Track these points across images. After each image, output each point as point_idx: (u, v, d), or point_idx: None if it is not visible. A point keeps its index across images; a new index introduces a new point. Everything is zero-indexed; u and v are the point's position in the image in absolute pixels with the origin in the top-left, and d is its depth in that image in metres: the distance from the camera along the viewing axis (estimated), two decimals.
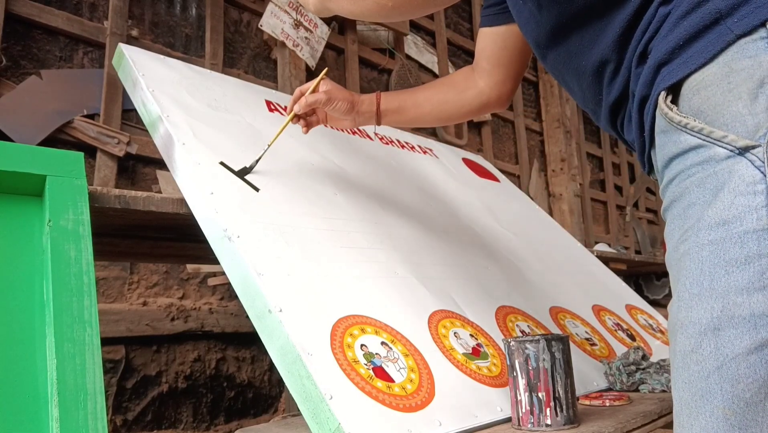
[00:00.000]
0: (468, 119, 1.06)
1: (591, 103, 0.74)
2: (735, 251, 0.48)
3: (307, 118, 0.99)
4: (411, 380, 0.73)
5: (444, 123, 1.08)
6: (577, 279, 1.40)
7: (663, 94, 0.57)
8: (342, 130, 1.36)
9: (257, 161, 0.94)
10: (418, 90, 1.04)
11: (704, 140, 0.52)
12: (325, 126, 1.04)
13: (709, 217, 0.51)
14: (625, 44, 0.63)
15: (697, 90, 0.54)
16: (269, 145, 0.95)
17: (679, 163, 0.55)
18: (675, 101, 0.56)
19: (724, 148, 0.51)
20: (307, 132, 1.00)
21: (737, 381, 0.47)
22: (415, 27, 2.96)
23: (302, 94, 0.96)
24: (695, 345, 0.50)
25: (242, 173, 0.92)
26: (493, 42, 0.97)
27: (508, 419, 0.78)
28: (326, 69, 0.99)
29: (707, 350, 0.49)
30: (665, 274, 3.32)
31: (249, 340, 2.02)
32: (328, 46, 2.45)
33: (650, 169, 0.67)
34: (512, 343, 0.77)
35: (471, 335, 0.90)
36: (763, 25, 0.51)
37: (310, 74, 2.36)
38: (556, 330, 1.08)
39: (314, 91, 0.95)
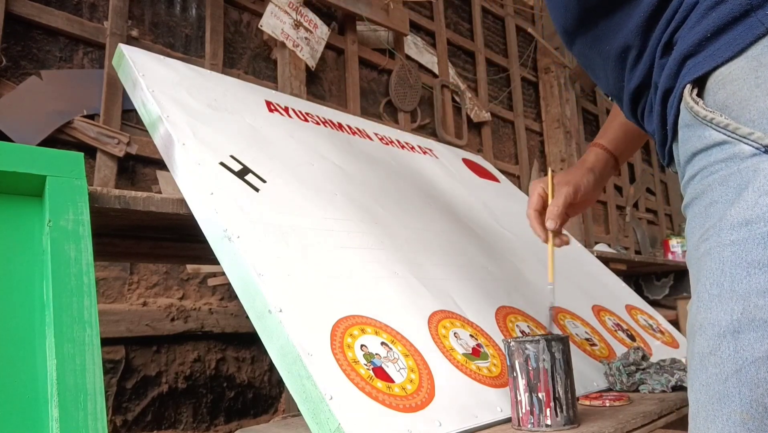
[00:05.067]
0: None
1: (614, 90, 0.72)
2: (757, 252, 0.47)
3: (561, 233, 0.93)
4: (411, 381, 0.73)
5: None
6: (577, 279, 1.40)
7: (689, 87, 0.55)
8: (343, 130, 1.36)
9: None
10: (615, 116, 0.98)
11: (729, 136, 0.50)
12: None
13: (731, 216, 0.49)
14: (648, 31, 0.61)
15: (723, 84, 0.52)
16: (552, 284, 0.90)
17: (702, 159, 0.53)
18: (700, 95, 0.54)
19: (750, 145, 0.49)
20: (566, 243, 0.93)
21: (756, 385, 0.46)
22: (415, 27, 2.96)
23: (538, 209, 0.89)
24: (714, 347, 0.49)
25: (242, 173, 0.92)
26: None
27: (508, 420, 0.78)
28: (551, 171, 0.92)
29: (726, 352, 0.48)
30: (665, 274, 3.32)
31: (249, 340, 2.02)
32: (328, 46, 2.45)
33: (670, 161, 0.65)
34: (512, 343, 0.77)
35: (471, 336, 0.90)
36: None
37: (310, 74, 2.36)
38: (556, 330, 1.08)
39: (553, 194, 0.88)
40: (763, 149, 0.48)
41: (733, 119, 0.50)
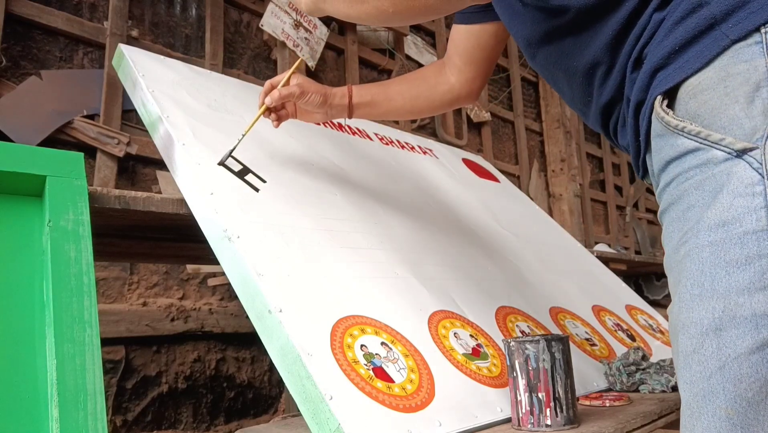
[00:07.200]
0: (438, 113, 1.10)
1: (580, 104, 0.75)
2: (735, 251, 0.49)
3: (278, 112, 0.98)
4: (411, 381, 0.73)
5: (415, 116, 1.10)
6: (577, 279, 1.40)
7: (659, 98, 0.57)
8: (343, 130, 1.36)
9: (231, 152, 0.91)
10: (390, 84, 1.05)
11: (702, 143, 0.53)
12: (295, 119, 1.03)
13: (708, 218, 0.51)
14: (617, 47, 0.64)
15: (693, 94, 0.55)
16: (243, 135, 0.92)
17: (676, 166, 0.56)
18: (671, 105, 0.57)
19: (722, 150, 0.51)
20: (278, 126, 0.98)
21: (739, 381, 0.48)
22: (415, 27, 2.97)
23: (273, 87, 0.95)
24: (697, 345, 0.51)
25: (242, 173, 0.92)
26: (467, 39, 0.99)
27: (508, 420, 0.78)
28: (299, 60, 1.00)
29: (709, 350, 0.50)
30: (665, 274, 3.32)
31: (249, 340, 2.02)
32: (328, 46, 2.45)
33: (644, 173, 0.68)
34: (512, 343, 0.77)
35: (471, 336, 0.90)
36: (757, 29, 0.52)
37: (310, 74, 2.36)
38: (556, 330, 1.08)
39: (286, 83, 0.94)
40: (735, 154, 0.50)
41: (704, 127, 0.53)
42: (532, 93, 3.75)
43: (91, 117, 1.74)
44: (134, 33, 1.88)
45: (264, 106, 0.94)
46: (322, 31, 2.35)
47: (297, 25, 2.25)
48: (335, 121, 1.39)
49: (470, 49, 0.99)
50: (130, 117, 1.82)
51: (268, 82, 0.96)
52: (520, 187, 3.28)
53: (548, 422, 0.73)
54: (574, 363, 0.79)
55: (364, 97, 1.01)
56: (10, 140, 1.54)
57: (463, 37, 0.99)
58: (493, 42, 0.98)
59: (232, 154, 0.92)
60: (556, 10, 0.67)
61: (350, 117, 1.02)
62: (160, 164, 1.83)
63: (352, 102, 1.00)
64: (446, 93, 1.03)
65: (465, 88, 1.03)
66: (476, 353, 0.87)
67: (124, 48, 1.06)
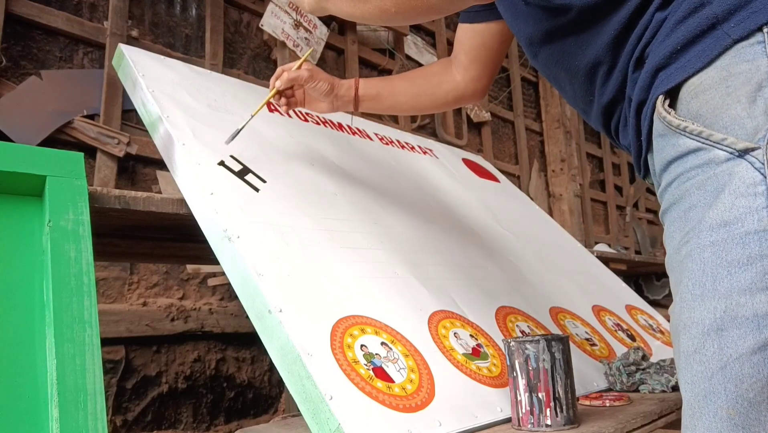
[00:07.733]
0: (443, 110, 1.11)
1: (581, 103, 0.75)
2: (737, 251, 0.49)
3: (288, 98, 1.00)
4: (411, 381, 0.73)
5: (419, 112, 1.11)
6: (577, 279, 1.40)
7: (661, 98, 0.57)
8: (343, 130, 1.36)
9: (238, 133, 0.92)
10: (396, 79, 1.06)
11: (703, 143, 0.53)
12: (303, 108, 1.04)
13: (710, 218, 0.51)
14: (619, 46, 0.64)
15: (695, 94, 0.54)
16: (252, 116, 0.94)
17: (678, 166, 0.56)
18: (673, 105, 0.57)
19: (724, 150, 0.51)
20: (287, 111, 1.01)
21: (741, 381, 0.48)
22: (415, 27, 2.97)
23: (284, 72, 0.97)
24: (698, 346, 0.51)
25: (242, 173, 0.92)
26: (471, 38, 1.00)
27: (508, 420, 0.78)
28: (311, 49, 1.03)
29: (711, 350, 0.50)
30: (665, 274, 3.31)
31: (249, 340, 2.02)
32: (328, 46, 2.45)
33: (646, 173, 0.68)
34: (512, 343, 0.77)
35: (471, 336, 0.90)
36: (760, 29, 0.52)
37: None
38: (556, 330, 1.08)
39: (297, 69, 0.97)
40: (737, 153, 0.50)
41: (706, 127, 0.53)
42: (532, 93, 3.75)
43: (91, 117, 1.74)
44: (134, 33, 1.88)
45: (274, 89, 0.96)
46: (322, 31, 2.35)
47: (297, 25, 2.25)
48: (335, 121, 1.39)
49: (475, 47, 1.00)
50: (130, 117, 1.82)
51: (279, 68, 0.98)
52: (520, 187, 3.28)
53: (548, 422, 0.73)
54: (574, 363, 0.79)
55: (370, 91, 1.02)
56: (10, 140, 1.54)
57: (468, 36, 1.00)
58: (498, 41, 0.98)
59: (232, 154, 0.92)
60: (558, 9, 0.67)
61: (355, 109, 1.03)
62: (160, 164, 1.83)
63: (358, 94, 1.01)
64: (451, 91, 1.04)
65: (470, 87, 1.03)
66: (476, 353, 0.87)
67: (124, 48, 1.06)
